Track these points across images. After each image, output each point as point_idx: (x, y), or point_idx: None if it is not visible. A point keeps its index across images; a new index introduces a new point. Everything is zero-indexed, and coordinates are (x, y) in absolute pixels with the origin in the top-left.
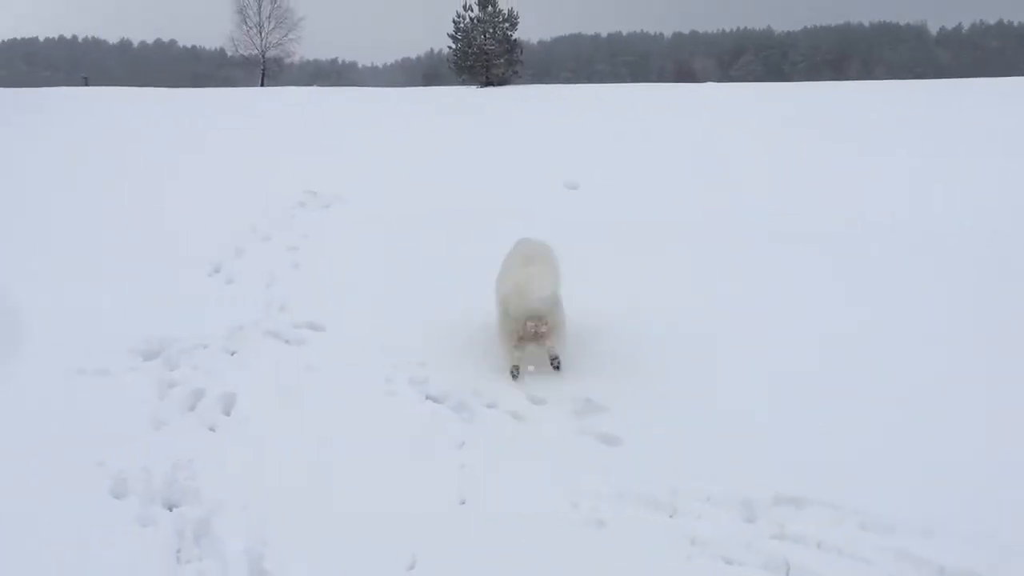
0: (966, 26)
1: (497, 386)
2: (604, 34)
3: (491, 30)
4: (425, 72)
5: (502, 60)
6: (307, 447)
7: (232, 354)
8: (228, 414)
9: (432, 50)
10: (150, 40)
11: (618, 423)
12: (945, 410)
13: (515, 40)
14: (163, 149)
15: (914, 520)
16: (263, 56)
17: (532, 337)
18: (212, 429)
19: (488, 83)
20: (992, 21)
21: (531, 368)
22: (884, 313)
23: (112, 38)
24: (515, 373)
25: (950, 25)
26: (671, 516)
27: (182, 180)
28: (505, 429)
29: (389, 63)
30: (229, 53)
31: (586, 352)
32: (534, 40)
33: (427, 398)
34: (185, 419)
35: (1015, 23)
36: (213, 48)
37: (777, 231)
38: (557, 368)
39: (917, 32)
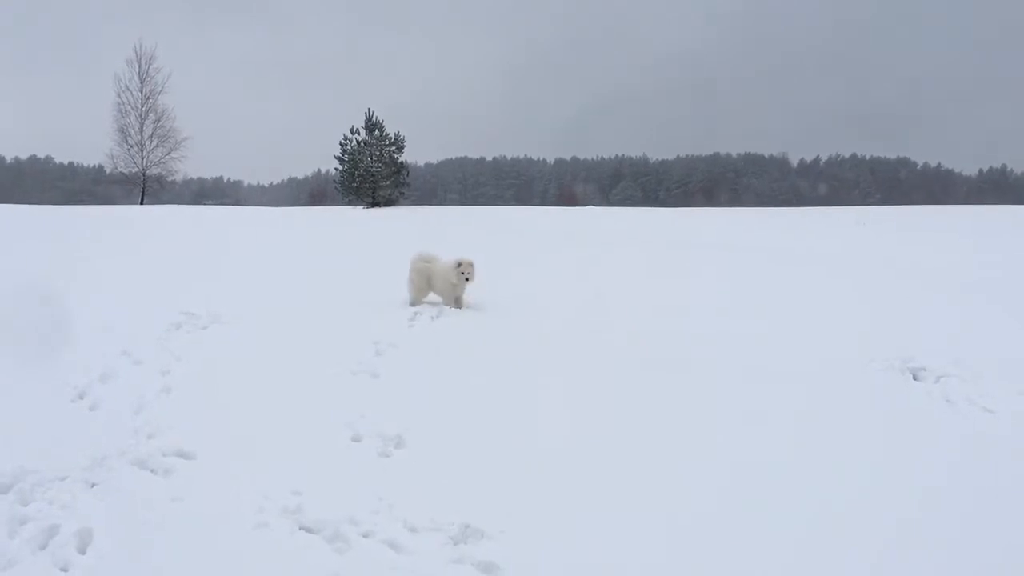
0: (824, 158)
1: (375, 517)
2: (489, 158)
3: (378, 153)
4: (312, 191)
5: (389, 182)
6: None
7: (92, 486)
8: (83, 552)
9: (319, 170)
10: (24, 156)
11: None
12: None
13: (402, 162)
14: (30, 268)
15: None
16: (144, 174)
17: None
18: (64, 570)
19: (375, 204)
20: (847, 155)
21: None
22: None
23: None
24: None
25: (809, 157)
26: None
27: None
28: (380, 560)
29: (276, 182)
30: (108, 170)
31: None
32: (421, 162)
33: (300, 528)
34: (36, 559)
35: (867, 156)
36: (91, 165)
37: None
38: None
39: (780, 163)
